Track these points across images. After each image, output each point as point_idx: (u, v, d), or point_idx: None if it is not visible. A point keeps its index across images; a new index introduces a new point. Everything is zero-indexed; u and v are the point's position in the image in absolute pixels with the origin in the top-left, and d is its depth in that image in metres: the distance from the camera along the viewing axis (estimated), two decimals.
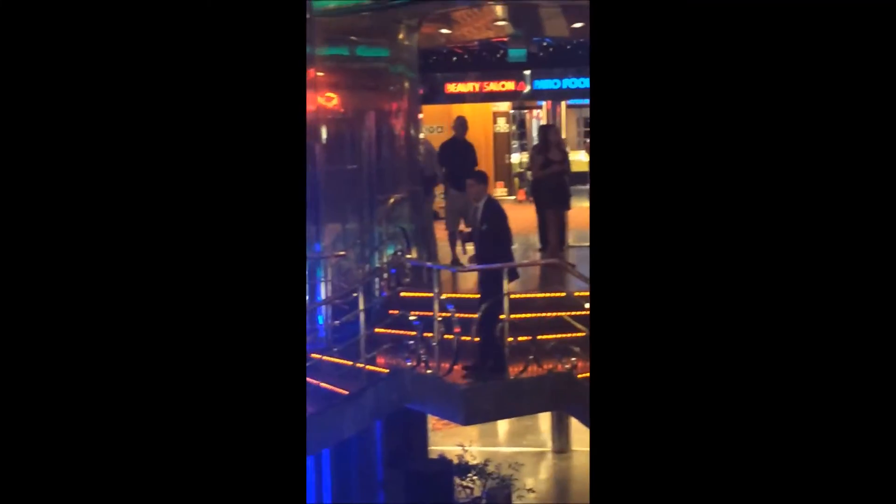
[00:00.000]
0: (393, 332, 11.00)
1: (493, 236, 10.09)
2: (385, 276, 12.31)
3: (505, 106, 25.85)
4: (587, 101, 22.08)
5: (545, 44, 19.38)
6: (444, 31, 16.73)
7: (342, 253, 12.39)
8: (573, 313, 10.35)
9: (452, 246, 13.77)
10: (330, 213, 12.46)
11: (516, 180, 25.90)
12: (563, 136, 21.92)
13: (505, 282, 9.74)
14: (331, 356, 10.94)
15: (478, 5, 14.39)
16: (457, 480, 12.18)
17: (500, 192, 24.82)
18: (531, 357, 9.78)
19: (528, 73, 20.43)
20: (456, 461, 12.47)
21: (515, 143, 27.36)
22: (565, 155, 14.66)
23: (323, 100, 12.48)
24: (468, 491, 12.28)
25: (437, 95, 20.46)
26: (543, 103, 25.91)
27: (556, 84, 20.75)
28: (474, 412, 9.87)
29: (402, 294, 11.80)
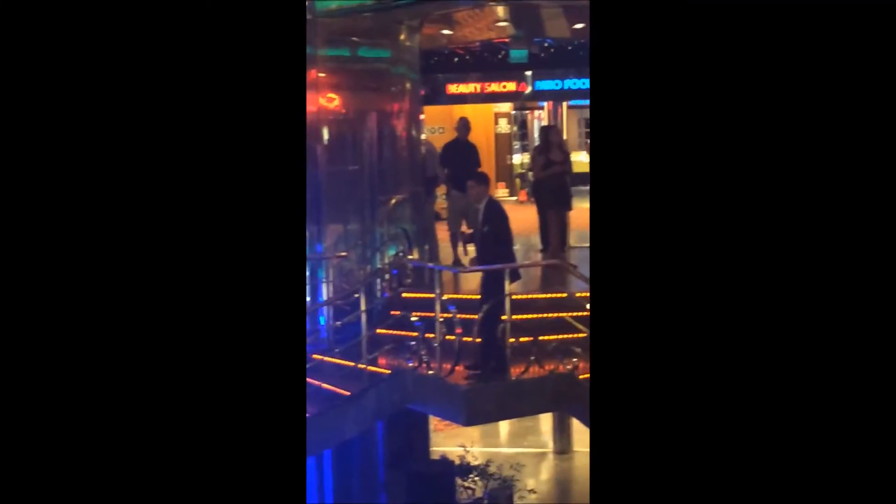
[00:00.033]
0: (394, 332, 11.00)
1: (493, 237, 10.09)
2: (386, 276, 12.32)
3: (506, 107, 25.88)
4: (588, 102, 22.06)
5: (546, 45, 19.40)
6: (445, 31, 16.74)
7: (344, 254, 12.39)
8: (575, 314, 10.35)
9: (454, 247, 13.77)
10: (331, 214, 12.46)
11: (517, 181, 25.93)
12: (565, 136, 21.94)
13: (507, 283, 9.74)
14: (332, 357, 10.94)
15: (479, 6, 14.39)
16: (458, 481, 12.17)
17: (501, 192, 24.85)
18: (532, 358, 9.78)
19: (529, 73, 20.44)
20: (457, 462, 12.46)
21: (517, 144, 27.40)
22: (567, 155, 14.66)
23: (324, 101, 12.48)
24: (470, 492, 12.27)
25: (438, 96, 20.47)
26: (545, 104, 25.92)
27: (557, 85, 20.76)
28: (476, 413, 9.87)
29: (404, 295, 11.81)
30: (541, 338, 10.04)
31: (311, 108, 11.87)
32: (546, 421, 16.18)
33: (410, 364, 10.14)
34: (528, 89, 20.80)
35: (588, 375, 9.31)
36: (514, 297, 9.86)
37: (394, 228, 13.28)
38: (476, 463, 12.63)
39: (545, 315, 10.94)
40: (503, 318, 9.74)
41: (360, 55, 13.68)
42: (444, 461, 12.39)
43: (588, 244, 13.04)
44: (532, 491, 13.33)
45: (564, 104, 25.93)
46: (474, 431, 14.77)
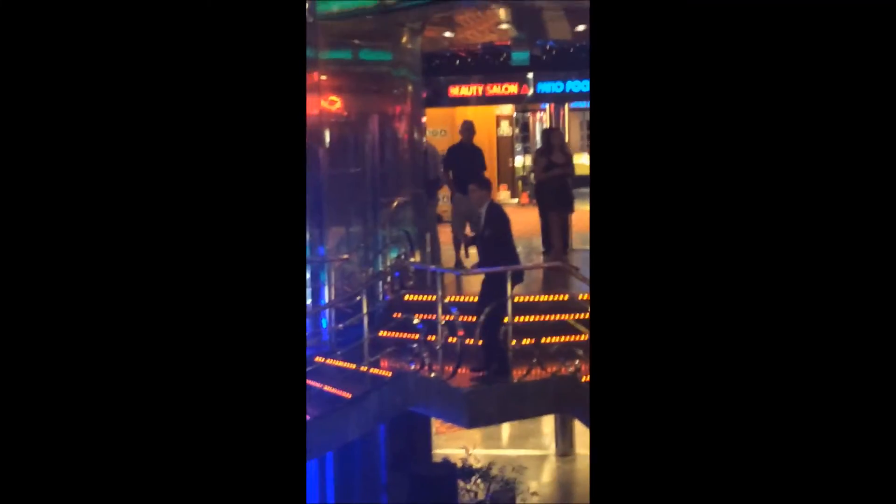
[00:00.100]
0: (396, 335, 11.00)
1: (495, 241, 10.10)
2: (388, 279, 12.32)
3: (508, 109, 25.88)
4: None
5: (548, 47, 19.39)
6: (447, 34, 16.73)
7: (346, 256, 12.40)
8: (577, 316, 10.35)
9: (457, 250, 13.78)
10: (333, 217, 12.47)
11: (519, 183, 25.92)
12: (567, 139, 21.93)
13: (508, 285, 9.74)
14: (334, 359, 10.95)
15: (481, 9, 14.38)
16: (460, 484, 12.17)
17: (503, 195, 24.85)
18: (534, 360, 9.79)
19: (531, 76, 20.43)
20: (460, 464, 12.47)
21: (519, 147, 27.39)
22: (569, 158, 14.66)
23: (326, 103, 12.49)
24: (472, 494, 12.27)
25: (440, 99, 20.46)
26: (547, 106, 25.90)
27: (559, 87, 20.75)
28: (478, 415, 9.87)
29: (406, 297, 11.81)
30: (543, 340, 10.05)
31: (312, 110, 11.89)
32: (548, 423, 16.17)
33: (412, 366, 10.15)
34: (530, 91, 20.80)
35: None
36: (516, 299, 9.87)
37: (396, 231, 13.28)
38: (478, 465, 12.63)
39: (547, 317, 10.94)
40: (505, 320, 9.75)
41: (361, 58, 13.69)
42: (447, 464, 12.40)
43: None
44: (534, 493, 13.33)
45: (566, 106, 25.91)
46: (476, 434, 14.77)
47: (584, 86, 20.30)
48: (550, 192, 14.29)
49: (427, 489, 11.50)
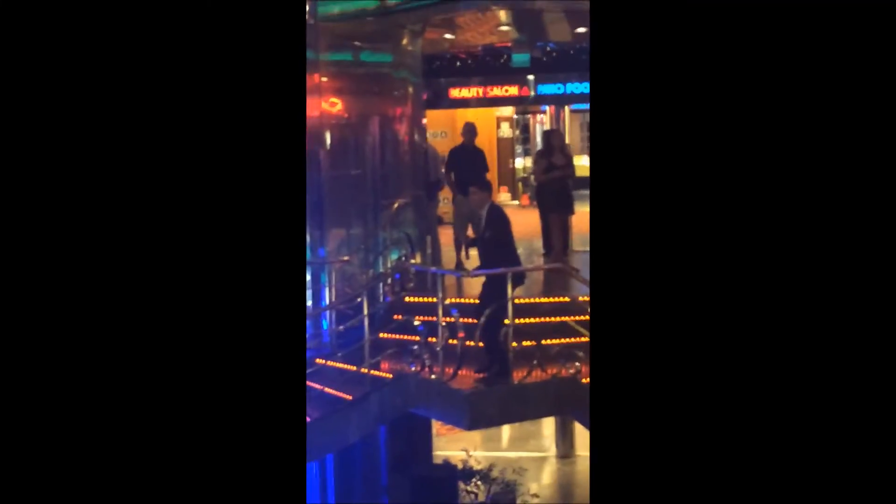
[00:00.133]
0: (397, 337, 11.00)
1: (496, 243, 10.10)
2: (389, 281, 12.32)
3: (509, 111, 25.87)
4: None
5: (549, 48, 19.39)
6: (447, 36, 16.73)
7: (346, 258, 12.40)
8: (577, 318, 10.35)
9: (458, 251, 13.78)
10: (334, 218, 12.47)
11: (520, 185, 25.92)
12: (567, 140, 21.93)
13: (509, 287, 9.74)
14: (335, 361, 10.95)
15: (482, 10, 14.38)
16: (461, 485, 12.18)
17: (503, 196, 24.84)
18: (535, 362, 9.79)
19: (531, 77, 20.42)
20: (460, 466, 12.47)
21: (519, 148, 27.38)
22: (569, 159, 14.66)
23: (327, 105, 12.50)
24: (472, 496, 12.27)
25: (440, 100, 20.44)
26: (547, 108, 25.90)
27: (559, 89, 20.72)
28: (479, 417, 9.87)
29: (407, 299, 11.81)
30: (544, 342, 10.05)
31: (313, 112, 11.89)
32: (548, 425, 16.17)
33: (413, 368, 10.15)
34: (531, 93, 20.80)
35: None
36: (516, 301, 9.87)
37: (396, 233, 13.28)
38: (479, 467, 12.63)
39: (548, 319, 10.94)
40: (506, 322, 9.75)
41: (362, 59, 13.69)
42: (447, 465, 12.40)
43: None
44: (535, 495, 13.34)
45: (567, 108, 25.90)
46: (476, 436, 14.78)
47: (584, 88, 20.27)
48: (551, 193, 14.29)
49: (427, 491, 11.50)
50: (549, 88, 20.73)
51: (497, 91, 20.92)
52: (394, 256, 13.17)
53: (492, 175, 17.27)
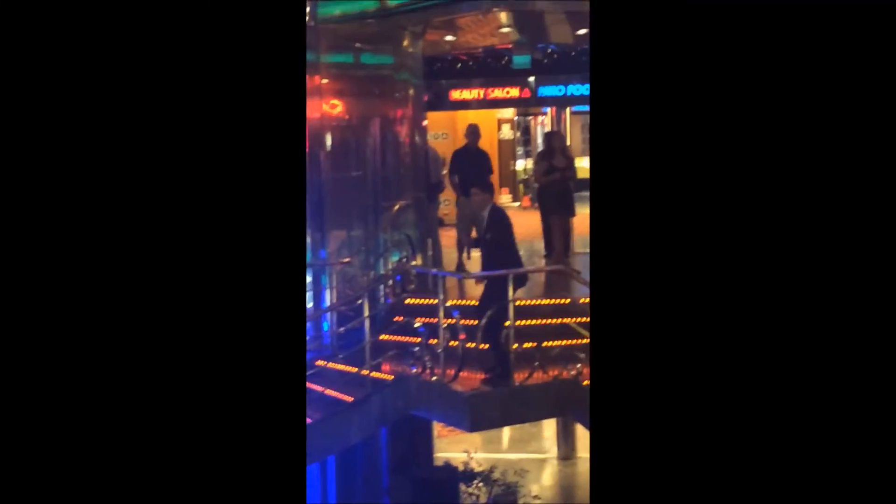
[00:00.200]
0: (398, 338, 11.00)
1: (497, 244, 10.11)
2: (390, 282, 12.32)
3: (509, 112, 25.86)
4: None
5: (550, 50, 19.39)
6: (448, 37, 16.73)
7: (347, 260, 12.39)
8: (578, 320, 10.34)
9: (460, 253, 13.78)
10: (335, 220, 12.47)
11: (521, 187, 25.91)
12: (568, 142, 21.92)
13: (510, 289, 9.74)
14: (336, 363, 10.94)
15: (483, 12, 14.39)
16: (462, 487, 12.16)
17: (504, 198, 24.84)
18: (536, 364, 9.78)
19: (532, 79, 20.42)
20: (461, 468, 12.46)
21: (520, 150, 27.37)
22: (571, 161, 14.66)
23: (328, 107, 12.49)
24: (474, 498, 12.26)
25: (441, 102, 20.43)
26: (548, 110, 25.89)
27: (560, 90, 20.72)
28: (480, 419, 9.86)
29: (407, 301, 11.81)
30: (545, 343, 10.04)
31: (314, 114, 11.88)
32: (550, 427, 16.16)
33: (414, 370, 10.15)
34: (532, 95, 20.79)
35: None
36: (517, 302, 9.86)
37: (397, 234, 13.28)
38: (480, 469, 12.62)
39: (549, 321, 10.93)
40: (506, 323, 9.75)
41: (363, 61, 13.69)
42: (448, 467, 12.39)
43: None
44: (536, 497, 13.33)
45: (568, 110, 25.89)
46: (478, 437, 14.76)
47: (585, 89, 20.27)
48: (552, 195, 14.28)
49: (429, 492, 11.49)
50: (550, 90, 20.73)
51: (498, 93, 20.91)
52: (394, 258, 13.16)
53: (493, 177, 17.29)
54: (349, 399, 10.34)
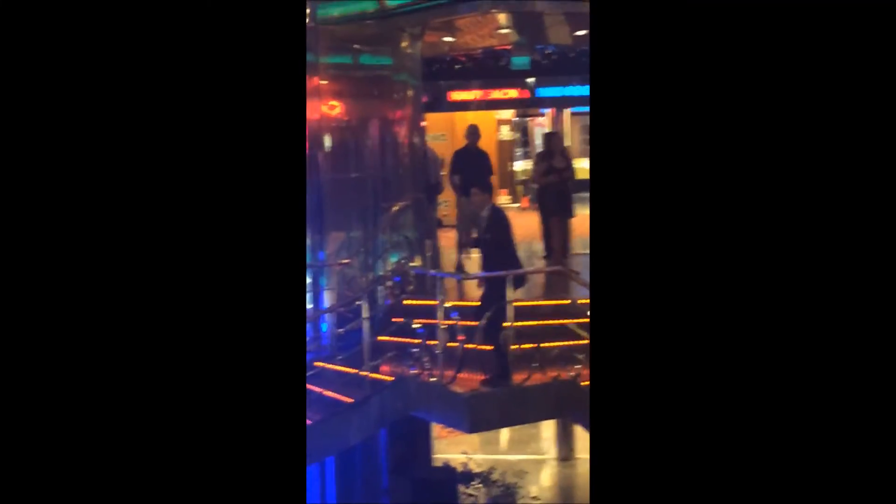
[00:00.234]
0: (397, 340, 10.99)
1: (496, 244, 10.12)
2: (389, 284, 12.31)
3: (508, 114, 25.86)
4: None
5: (548, 51, 19.39)
6: (447, 39, 16.72)
7: (346, 261, 12.39)
8: (577, 321, 10.34)
9: (460, 253, 13.78)
10: (334, 222, 12.47)
11: (520, 188, 25.91)
12: (567, 143, 21.93)
13: (510, 290, 9.74)
14: (335, 364, 10.94)
15: (481, 13, 14.38)
16: (461, 488, 12.16)
17: (503, 199, 24.83)
18: (535, 364, 9.78)
19: (531, 80, 20.43)
20: (460, 469, 12.46)
21: (519, 151, 27.36)
22: (569, 162, 14.65)
23: (326, 108, 12.49)
24: (472, 499, 12.26)
25: (440, 103, 20.45)
26: (547, 111, 25.90)
27: (559, 91, 20.74)
28: (479, 420, 9.87)
29: (406, 302, 11.80)
30: (544, 344, 10.04)
31: (313, 115, 11.89)
32: (549, 428, 16.16)
33: (413, 371, 10.14)
34: (530, 96, 20.80)
35: None
36: (516, 303, 9.86)
37: (396, 236, 13.27)
38: (479, 470, 12.62)
39: (548, 322, 10.93)
40: (506, 324, 9.75)
41: (362, 62, 13.69)
42: (447, 468, 12.39)
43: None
44: (535, 498, 13.32)
45: (566, 111, 25.90)
46: (477, 438, 14.76)
47: (584, 90, 20.30)
48: (551, 196, 14.27)
49: (428, 493, 11.49)
50: (548, 91, 20.76)
51: (497, 94, 20.94)
52: (393, 259, 13.15)
53: (493, 177, 17.30)
54: (348, 400, 10.34)
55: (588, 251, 13.76)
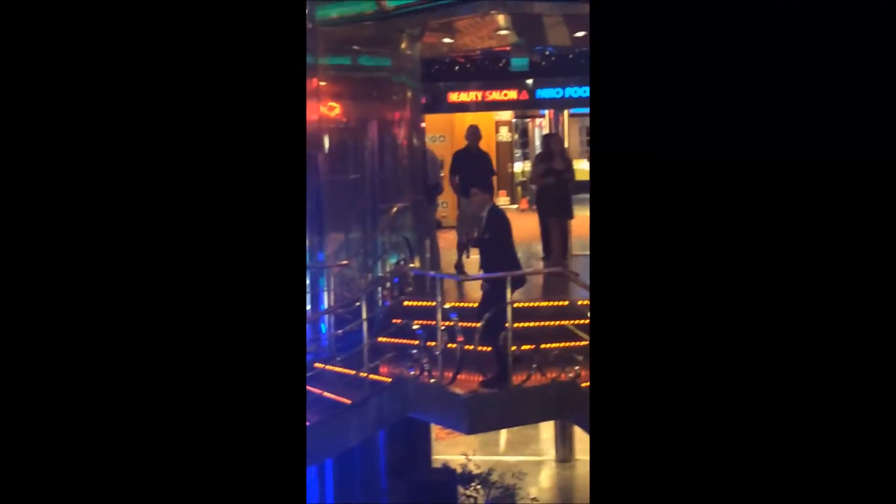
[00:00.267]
0: (396, 341, 10.99)
1: (495, 244, 10.13)
2: (388, 285, 12.32)
3: (507, 115, 25.88)
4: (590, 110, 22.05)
5: (547, 53, 19.41)
6: (446, 40, 16.73)
7: (345, 262, 12.39)
8: (576, 322, 10.35)
9: (460, 254, 13.79)
10: (333, 223, 12.46)
11: (518, 189, 25.93)
12: (566, 144, 21.93)
13: (508, 290, 9.74)
14: (334, 365, 10.93)
15: (480, 14, 14.39)
16: (460, 490, 12.17)
17: (502, 200, 24.85)
18: (534, 366, 9.79)
19: (530, 81, 20.44)
20: (459, 470, 12.47)
21: (518, 152, 27.38)
22: (569, 163, 14.66)
23: (325, 109, 12.49)
24: (472, 500, 12.27)
25: (439, 104, 20.46)
26: (546, 112, 25.92)
27: (558, 93, 20.76)
28: (478, 421, 9.87)
29: (405, 303, 11.81)
30: (543, 346, 10.04)
31: (311, 116, 11.88)
32: (548, 429, 16.17)
33: (412, 372, 10.14)
34: (529, 97, 20.81)
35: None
36: (516, 304, 9.87)
37: (395, 237, 13.28)
38: (478, 471, 12.63)
39: (547, 323, 10.93)
40: (506, 325, 9.76)
41: (360, 64, 13.69)
42: (446, 469, 12.40)
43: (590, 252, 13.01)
44: (534, 499, 13.33)
45: (565, 112, 25.92)
46: (476, 439, 14.77)
47: (583, 91, 20.33)
48: (550, 197, 14.28)
49: (427, 495, 11.50)
50: (547, 92, 20.77)
51: (496, 95, 20.96)
52: (392, 260, 13.16)
53: (493, 178, 17.32)
54: (347, 401, 10.33)
55: (587, 252, 13.79)
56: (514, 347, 9.76)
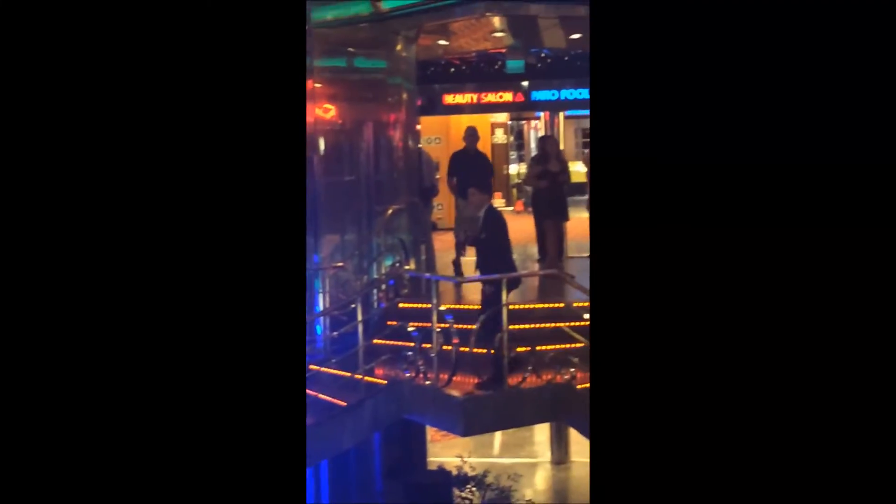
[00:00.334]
0: (391, 343, 10.99)
1: (492, 244, 10.14)
2: (383, 287, 12.31)
3: (503, 117, 25.89)
4: (585, 112, 22.11)
5: (543, 55, 19.41)
6: (442, 42, 16.74)
7: (340, 264, 12.38)
8: (572, 324, 10.35)
9: (458, 255, 13.80)
10: (328, 225, 12.45)
11: (514, 191, 25.94)
12: (562, 146, 21.94)
13: (504, 292, 9.74)
14: (329, 367, 10.92)
15: (476, 17, 14.40)
16: (455, 492, 12.17)
17: (498, 202, 24.86)
18: (530, 368, 9.78)
19: (526, 84, 20.45)
20: (455, 472, 12.47)
21: (513, 154, 27.40)
22: (565, 165, 14.67)
23: (321, 111, 12.48)
24: (467, 502, 12.27)
25: (435, 106, 20.46)
26: (541, 114, 25.94)
27: (553, 95, 20.77)
28: (474, 423, 9.87)
29: (401, 305, 11.80)
30: (538, 348, 10.04)
31: (307, 118, 11.87)
32: (543, 431, 16.17)
33: (407, 374, 10.14)
34: (525, 99, 20.82)
35: (586, 385, 9.31)
36: (511, 306, 9.87)
37: (390, 238, 13.27)
38: (473, 473, 12.63)
39: (542, 325, 10.93)
40: (502, 327, 9.75)
41: (356, 66, 13.69)
42: (442, 471, 12.41)
43: (585, 254, 13.04)
44: (530, 501, 13.33)
45: (561, 114, 25.94)
46: (471, 442, 14.77)
47: (578, 94, 20.34)
48: (546, 200, 14.29)
49: (422, 496, 11.51)
50: (543, 94, 20.78)
51: (491, 97, 20.96)
52: (388, 262, 13.15)
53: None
54: (342, 403, 10.32)
55: (582, 254, 13.78)
56: (509, 349, 9.76)
